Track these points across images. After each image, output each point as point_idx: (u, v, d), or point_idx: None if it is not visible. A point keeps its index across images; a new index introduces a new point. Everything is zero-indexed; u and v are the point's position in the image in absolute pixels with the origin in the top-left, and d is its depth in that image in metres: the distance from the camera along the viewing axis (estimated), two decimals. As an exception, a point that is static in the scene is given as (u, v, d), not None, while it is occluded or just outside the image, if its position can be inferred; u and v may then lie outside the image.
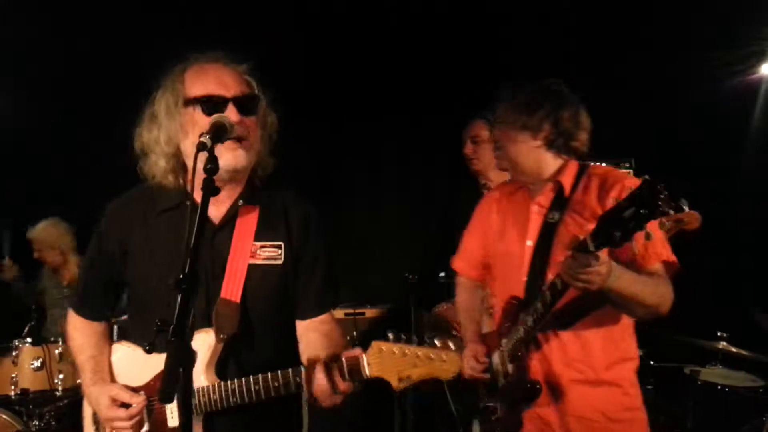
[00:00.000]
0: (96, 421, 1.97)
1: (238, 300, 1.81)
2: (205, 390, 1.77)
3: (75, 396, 3.96)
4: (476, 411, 2.36)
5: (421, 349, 1.60)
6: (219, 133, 1.64)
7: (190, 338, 1.38)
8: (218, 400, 1.76)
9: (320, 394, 1.70)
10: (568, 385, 2.09)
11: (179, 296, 1.37)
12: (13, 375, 3.81)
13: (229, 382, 1.76)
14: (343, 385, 1.67)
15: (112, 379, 1.95)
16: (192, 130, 1.79)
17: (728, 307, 4.27)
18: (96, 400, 1.89)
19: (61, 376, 3.88)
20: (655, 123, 4.88)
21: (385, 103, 4.97)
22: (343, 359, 1.67)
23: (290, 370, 1.72)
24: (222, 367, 1.82)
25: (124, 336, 2.04)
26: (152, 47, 4.53)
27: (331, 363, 1.69)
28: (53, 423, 3.91)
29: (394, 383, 1.61)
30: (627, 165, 4.75)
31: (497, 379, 2.24)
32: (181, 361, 1.35)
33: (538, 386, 2.09)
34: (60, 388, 3.87)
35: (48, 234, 4.79)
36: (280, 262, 1.87)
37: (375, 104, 4.97)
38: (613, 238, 1.64)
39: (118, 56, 4.57)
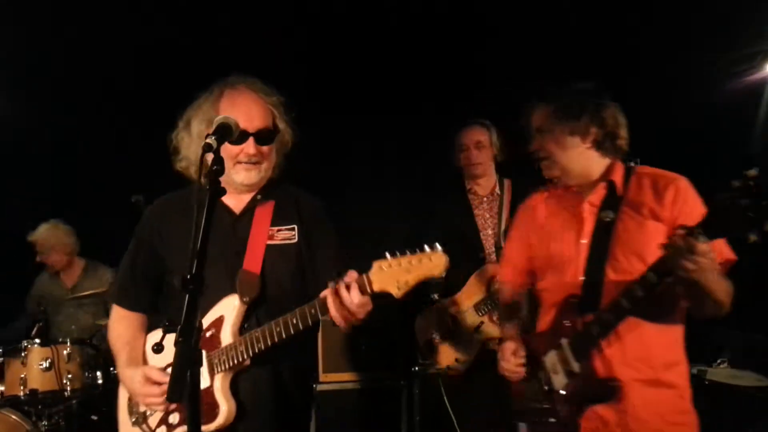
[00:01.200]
0: (131, 408, 2.21)
1: (258, 272, 2.07)
2: (232, 345, 2.01)
3: (83, 396, 4.00)
4: (523, 413, 2.33)
5: (412, 256, 1.78)
6: (224, 134, 1.70)
7: (198, 339, 1.40)
8: (243, 351, 1.98)
9: (337, 314, 1.86)
10: (628, 384, 2.09)
11: (186, 297, 1.39)
12: (22, 375, 3.84)
13: (252, 332, 1.99)
14: (357, 299, 1.82)
15: (146, 363, 2.18)
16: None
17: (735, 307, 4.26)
18: (130, 380, 2.12)
19: (69, 376, 3.90)
20: (659, 124, 4.87)
21: (386, 101, 4.98)
22: (351, 280, 1.84)
23: (305, 305, 1.92)
24: (245, 327, 2.06)
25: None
26: (154, 48, 4.57)
27: (339, 286, 1.86)
28: (62, 423, 3.94)
29: (394, 292, 1.79)
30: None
31: (552, 380, 2.22)
32: (188, 361, 1.37)
33: (616, 384, 2.08)
34: (68, 389, 3.89)
35: (50, 236, 4.74)
36: (294, 241, 2.15)
37: (377, 101, 4.98)
38: (730, 228, 1.67)
39: (119, 56, 4.60)
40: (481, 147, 3.60)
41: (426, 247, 1.78)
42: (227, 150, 2.04)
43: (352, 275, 1.85)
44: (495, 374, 3.42)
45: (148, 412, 2.17)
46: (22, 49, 4.58)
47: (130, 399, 2.23)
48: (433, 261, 1.76)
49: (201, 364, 1.87)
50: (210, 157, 1.62)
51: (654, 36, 4.51)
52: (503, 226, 3.56)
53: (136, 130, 4.72)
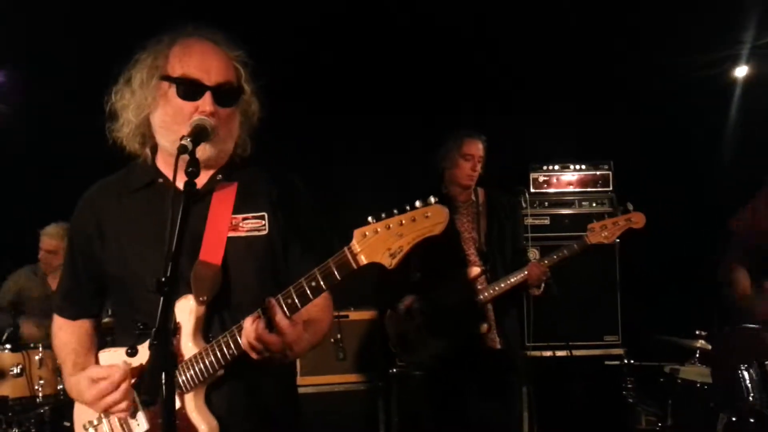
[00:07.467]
0: (86, 428, 1.90)
1: (219, 263, 1.74)
2: (198, 356, 1.70)
3: (56, 402, 3.93)
4: None
5: (402, 215, 1.49)
6: (200, 136, 1.63)
7: (173, 342, 1.39)
8: (214, 360, 1.67)
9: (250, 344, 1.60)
10: None
11: (161, 299, 1.37)
12: (-8, 382, 3.78)
13: (220, 337, 1.68)
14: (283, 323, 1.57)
15: None
16: (163, 106, 1.74)
17: (707, 306, 4.35)
18: (77, 388, 1.82)
19: (41, 382, 3.84)
20: (632, 127, 4.95)
21: (364, 100, 4.99)
22: (329, 262, 1.56)
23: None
24: (209, 332, 1.75)
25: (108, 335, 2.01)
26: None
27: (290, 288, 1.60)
28: (33, 430, 3.86)
29: (387, 261, 1.49)
30: (605, 167, 4.84)
31: None
32: (164, 364, 1.35)
33: None
34: (40, 395, 3.83)
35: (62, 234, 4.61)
36: (264, 232, 1.81)
37: (354, 100, 4.99)
38: None
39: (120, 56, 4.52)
40: (481, 161, 3.67)
41: (417, 202, 1.49)
42: (177, 108, 1.71)
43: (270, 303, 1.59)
44: (481, 374, 3.49)
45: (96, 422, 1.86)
46: (22, 49, 4.50)
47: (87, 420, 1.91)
48: (430, 217, 1.47)
49: (176, 367, 1.69)
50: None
51: (629, 41, 4.58)
52: (483, 232, 3.61)
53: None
